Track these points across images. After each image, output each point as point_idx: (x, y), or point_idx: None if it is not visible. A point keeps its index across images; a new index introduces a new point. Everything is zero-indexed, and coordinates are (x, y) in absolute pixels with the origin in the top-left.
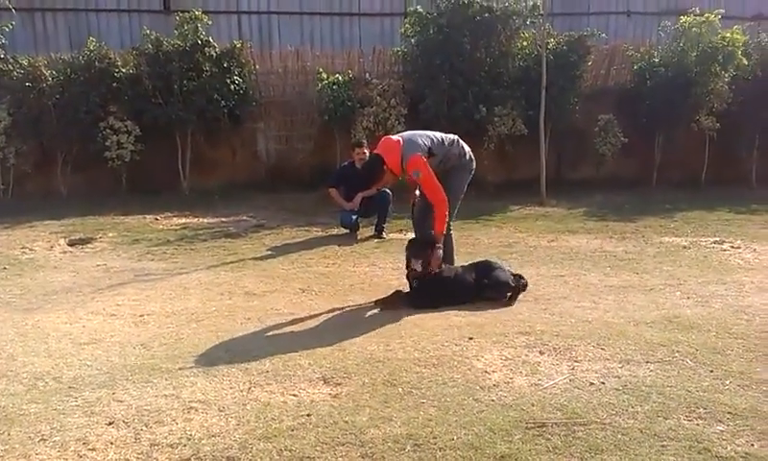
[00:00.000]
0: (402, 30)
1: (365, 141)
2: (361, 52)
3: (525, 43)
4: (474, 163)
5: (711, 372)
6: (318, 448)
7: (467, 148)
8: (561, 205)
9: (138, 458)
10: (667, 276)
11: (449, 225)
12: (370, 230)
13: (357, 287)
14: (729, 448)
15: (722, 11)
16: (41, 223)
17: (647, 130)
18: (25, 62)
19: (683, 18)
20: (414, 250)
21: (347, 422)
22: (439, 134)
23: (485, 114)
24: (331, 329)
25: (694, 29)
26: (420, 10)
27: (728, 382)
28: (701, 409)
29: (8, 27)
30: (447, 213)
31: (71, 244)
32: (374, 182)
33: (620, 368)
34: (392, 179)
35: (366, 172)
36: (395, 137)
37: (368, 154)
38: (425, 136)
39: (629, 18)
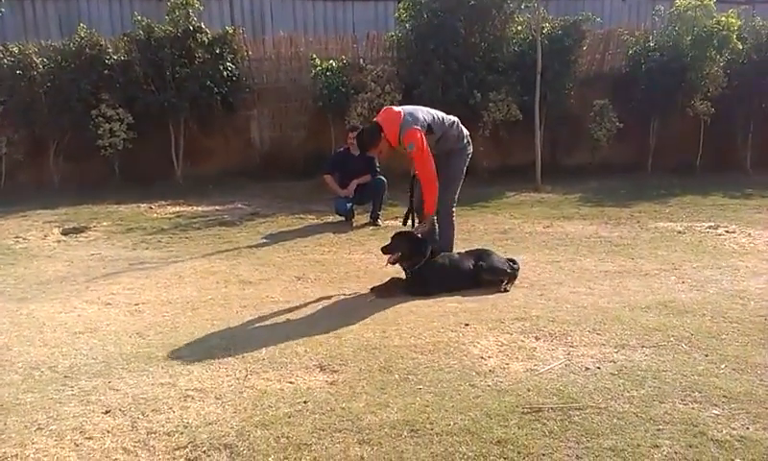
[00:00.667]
0: (396, 15)
1: (360, 126)
2: (355, 37)
3: (520, 28)
4: (471, 148)
5: (706, 356)
6: (315, 435)
7: (465, 131)
8: (556, 190)
9: (135, 446)
10: (662, 261)
11: (453, 211)
12: (365, 218)
13: (353, 275)
14: (724, 432)
15: None
16: (34, 212)
17: (642, 115)
18: (15, 50)
19: (677, 2)
20: (387, 245)
21: (343, 408)
22: (440, 114)
23: (480, 100)
24: (327, 317)
25: (689, 13)
26: None
27: (723, 366)
28: (696, 393)
29: None
30: (437, 192)
31: (65, 233)
32: (369, 149)
33: (616, 353)
34: (387, 149)
35: (362, 138)
36: (396, 108)
37: None
38: (427, 112)
39: (624, 2)
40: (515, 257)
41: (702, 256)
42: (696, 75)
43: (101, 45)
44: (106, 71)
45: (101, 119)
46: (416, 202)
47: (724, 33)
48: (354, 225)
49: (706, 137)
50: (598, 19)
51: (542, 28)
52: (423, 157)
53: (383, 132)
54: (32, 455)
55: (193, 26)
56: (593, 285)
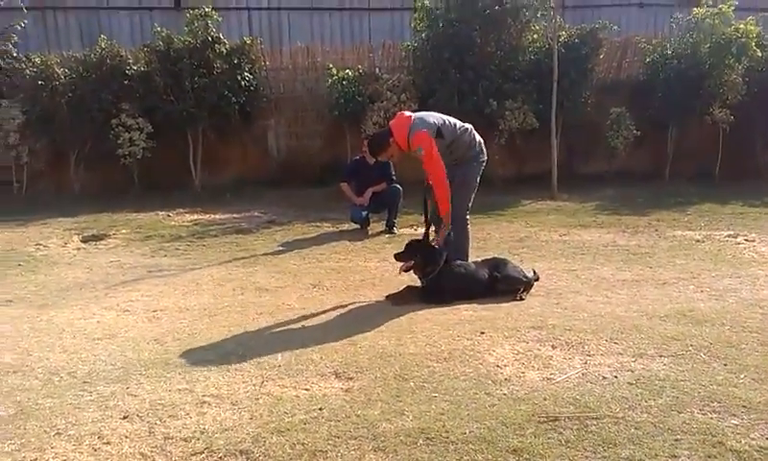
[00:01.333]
0: (412, 24)
1: None
2: (371, 47)
3: (536, 36)
4: (485, 156)
5: (726, 366)
6: (330, 442)
7: (478, 138)
8: (572, 199)
9: (152, 452)
10: (681, 269)
11: (467, 218)
12: (380, 226)
13: (368, 282)
14: (743, 442)
15: (735, 2)
16: (55, 220)
17: (660, 123)
18: (38, 61)
19: (696, 10)
20: (400, 253)
21: (359, 416)
22: (452, 119)
23: (495, 108)
24: (342, 324)
25: (707, 20)
26: (429, 4)
27: (742, 376)
28: (715, 403)
29: (20, 26)
30: (448, 193)
31: (84, 241)
32: (379, 153)
33: (633, 362)
34: (398, 153)
35: (372, 142)
36: (407, 113)
37: None
38: (438, 117)
39: (641, 10)
40: (532, 267)
41: (721, 265)
42: (714, 82)
43: (121, 56)
44: (126, 81)
45: (121, 128)
46: (430, 211)
47: (743, 40)
48: (370, 233)
49: (724, 145)
50: (615, 27)
51: (559, 36)
52: (432, 160)
53: (393, 136)
54: (51, 459)
55: (212, 37)
56: (610, 294)
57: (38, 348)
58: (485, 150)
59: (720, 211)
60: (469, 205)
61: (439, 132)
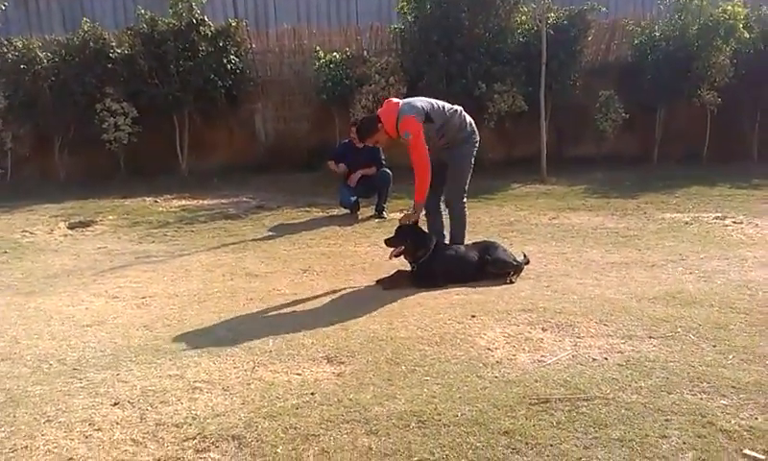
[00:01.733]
0: (398, 7)
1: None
2: (358, 29)
3: (525, 18)
4: (478, 136)
5: (714, 347)
6: (323, 426)
7: (468, 119)
8: (561, 182)
9: (144, 438)
10: (669, 252)
11: (464, 202)
12: (370, 211)
13: (359, 267)
14: (733, 422)
15: None
16: (41, 206)
17: (648, 105)
18: (20, 44)
19: None
20: (390, 238)
21: (351, 400)
22: (441, 102)
23: (484, 91)
24: (334, 309)
25: (695, 2)
26: None
27: (731, 357)
28: (704, 384)
29: (1, 9)
30: (428, 185)
31: (71, 227)
32: (368, 138)
33: (623, 344)
34: (385, 140)
35: (360, 127)
36: (395, 100)
37: None
38: (426, 102)
39: None
40: (522, 250)
41: (709, 247)
42: (702, 64)
43: (104, 39)
44: (110, 65)
45: (105, 113)
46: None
47: (730, 22)
48: (359, 217)
49: (712, 127)
50: (603, 9)
51: (547, 18)
52: (418, 145)
53: (380, 122)
54: (41, 447)
55: (196, 19)
56: (600, 276)
57: (27, 335)
58: (476, 130)
59: (708, 193)
60: (466, 187)
61: (428, 116)
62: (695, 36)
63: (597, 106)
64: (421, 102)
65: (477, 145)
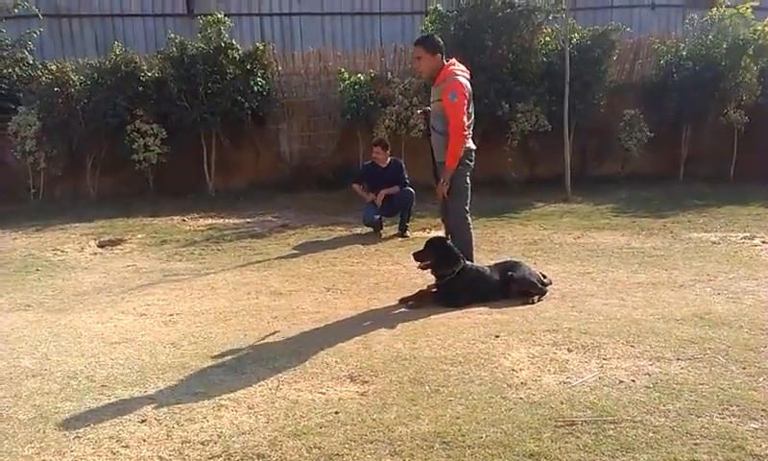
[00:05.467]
0: (422, 28)
1: (385, 140)
2: (382, 51)
3: (548, 38)
4: (472, 163)
5: (744, 369)
6: (347, 446)
7: (469, 143)
8: (586, 201)
9: (170, 455)
10: (697, 272)
11: (467, 218)
12: (393, 229)
13: (382, 286)
14: (763, 447)
15: (755, 2)
16: (71, 225)
17: (674, 124)
18: (53, 68)
19: (712, 10)
20: (419, 251)
21: (375, 419)
22: (471, 109)
23: (508, 111)
24: (357, 328)
25: (725, 21)
26: (441, 8)
27: (761, 380)
28: (734, 407)
29: (36, 33)
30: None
31: (101, 245)
32: (425, 46)
33: (650, 365)
34: (429, 70)
35: (428, 37)
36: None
37: (383, 156)
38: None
39: (653, 11)
40: (546, 272)
41: (737, 267)
42: (730, 84)
43: (136, 63)
44: (140, 88)
45: (136, 134)
46: (439, 206)
47: (760, 42)
48: (383, 236)
49: (740, 146)
50: (628, 28)
51: (571, 38)
52: (460, 108)
53: (441, 57)
54: None
55: (224, 43)
56: (626, 297)
57: (57, 352)
58: (474, 153)
59: (736, 213)
60: (467, 206)
61: (468, 102)
62: (723, 55)
63: (622, 125)
64: (468, 90)
65: (471, 165)
